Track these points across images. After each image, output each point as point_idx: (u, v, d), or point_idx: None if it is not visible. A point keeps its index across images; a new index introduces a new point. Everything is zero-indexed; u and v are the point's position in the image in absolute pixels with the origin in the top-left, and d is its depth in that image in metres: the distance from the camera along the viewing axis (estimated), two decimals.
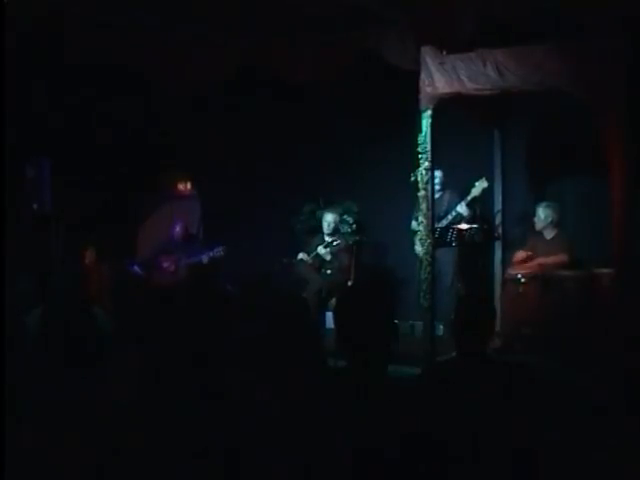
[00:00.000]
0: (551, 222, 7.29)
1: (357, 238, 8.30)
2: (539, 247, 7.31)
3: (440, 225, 7.40)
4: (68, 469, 2.41)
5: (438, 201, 7.41)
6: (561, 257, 7.13)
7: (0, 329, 3.06)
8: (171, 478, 2.49)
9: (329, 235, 8.18)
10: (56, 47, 7.02)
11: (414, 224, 7.20)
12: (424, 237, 6.52)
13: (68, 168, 8.04)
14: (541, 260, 7.19)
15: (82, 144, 8.26)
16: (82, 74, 7.83)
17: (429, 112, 6.41)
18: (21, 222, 7.24)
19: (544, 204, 7.35)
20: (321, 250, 8.09)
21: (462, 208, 7.56)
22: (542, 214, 7.30)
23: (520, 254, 7.42)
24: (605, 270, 6.45)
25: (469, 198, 7.57)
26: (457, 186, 7.79)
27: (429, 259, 6.46)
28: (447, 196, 7.74)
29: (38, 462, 2.41)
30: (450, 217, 7.59)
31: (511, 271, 7.31)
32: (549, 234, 7.33)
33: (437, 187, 7.40)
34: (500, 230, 7.93)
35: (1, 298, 3.79)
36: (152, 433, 2.58)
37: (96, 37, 7.17)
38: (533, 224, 7.42)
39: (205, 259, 8.43)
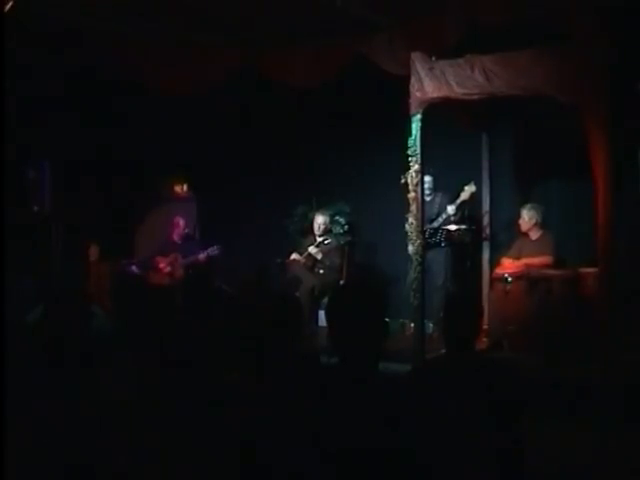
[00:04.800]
0: (535, 223, 7.34)
1: (349, 238, 8.38)
2: (525, 248, 7.37)
3: (432, 226, 7.52)
4: (67, 468, 2.48)
5: (430, 204, 7.52)
6: (546, 257, 7.20)
7: (0, 329, 3.11)
8: (172, 477, 2.56)
9: (320, 236, 8.28)
10: (56, 48, 7.09)
11: (407, 226, 7.29)
12: (414, 237, 6.63)
13: (67, 170, 8.08)
14: (527, 260, 7.25)
15: (81, 146, 8.30)
16: (82, 76, 7.90)
17: (419, 116, 6.53)
18: (21, 223, 7.26)
19: (528, 206, 7.40)
20: (312, 249, 8.18)
21: (452, 210, 7.66)
22: (526, 216, 7.35)
23: (507, 255, 7.52)
24: (590, 269, 6.56)
25: (458, 202, 7.66)
26: (447, 189, 7.87)
27: (419, 259, 6.58)
28: (438, 199, 7.85)
29: (37, 461, 2.48)
30: (441, 219, 7.69)
31: (498, 271, 7.39)
32: (534, 235, 7.38)
33: (428, 191, 7.49)
34: (488, 231, 8.01)
35: (1, 298, 3.85)
36: (150, 432, 2.65)
37: (96, 41, 7.24)
38: (519, 225, 7.48)
39: (201, 258, 8.52)
